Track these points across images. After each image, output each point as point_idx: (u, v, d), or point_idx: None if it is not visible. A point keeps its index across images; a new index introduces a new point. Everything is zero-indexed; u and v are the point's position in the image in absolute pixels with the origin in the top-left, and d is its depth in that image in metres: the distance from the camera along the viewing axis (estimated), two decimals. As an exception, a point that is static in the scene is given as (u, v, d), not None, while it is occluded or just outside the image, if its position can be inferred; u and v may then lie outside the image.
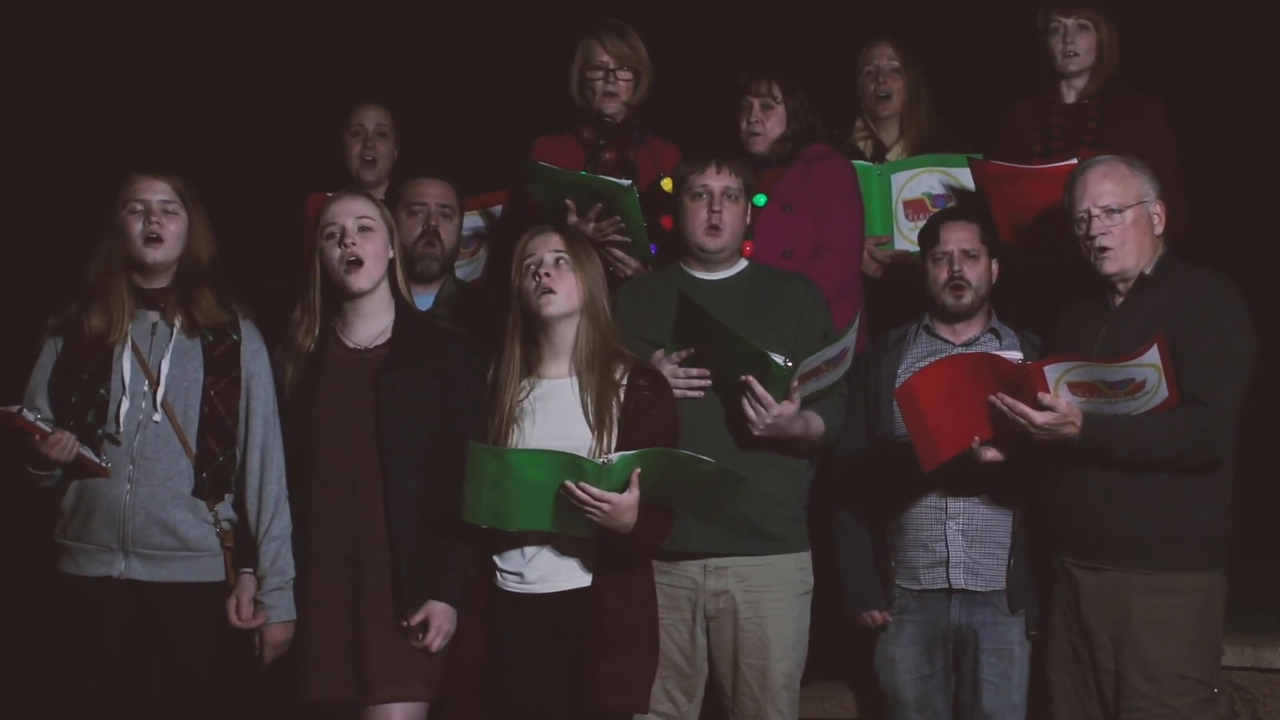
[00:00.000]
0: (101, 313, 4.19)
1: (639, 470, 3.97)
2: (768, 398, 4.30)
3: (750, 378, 4.30)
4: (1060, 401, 4.13)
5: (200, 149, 6.62)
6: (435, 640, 4.09)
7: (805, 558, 4.54)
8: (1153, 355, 4.04)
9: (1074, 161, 4.70)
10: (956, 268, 4.60)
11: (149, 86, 7.36)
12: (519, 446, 4.11)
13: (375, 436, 4.12)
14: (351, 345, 4.23)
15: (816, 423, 4.46)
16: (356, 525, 4.13)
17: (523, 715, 4.09)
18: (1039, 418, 4.13)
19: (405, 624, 4.08)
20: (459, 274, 5.13)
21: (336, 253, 4.18)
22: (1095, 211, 4.28)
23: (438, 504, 4.10)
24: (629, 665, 4.12)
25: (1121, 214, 4.27)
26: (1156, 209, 4.32)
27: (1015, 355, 4.27)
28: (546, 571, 4.13)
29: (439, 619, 4.09)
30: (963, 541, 4.51)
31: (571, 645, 4.09)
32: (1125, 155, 4.39)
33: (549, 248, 4.19)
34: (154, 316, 4.25)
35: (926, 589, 4.55)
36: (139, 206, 4.22)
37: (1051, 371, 4.11)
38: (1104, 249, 4.28)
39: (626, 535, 4.03)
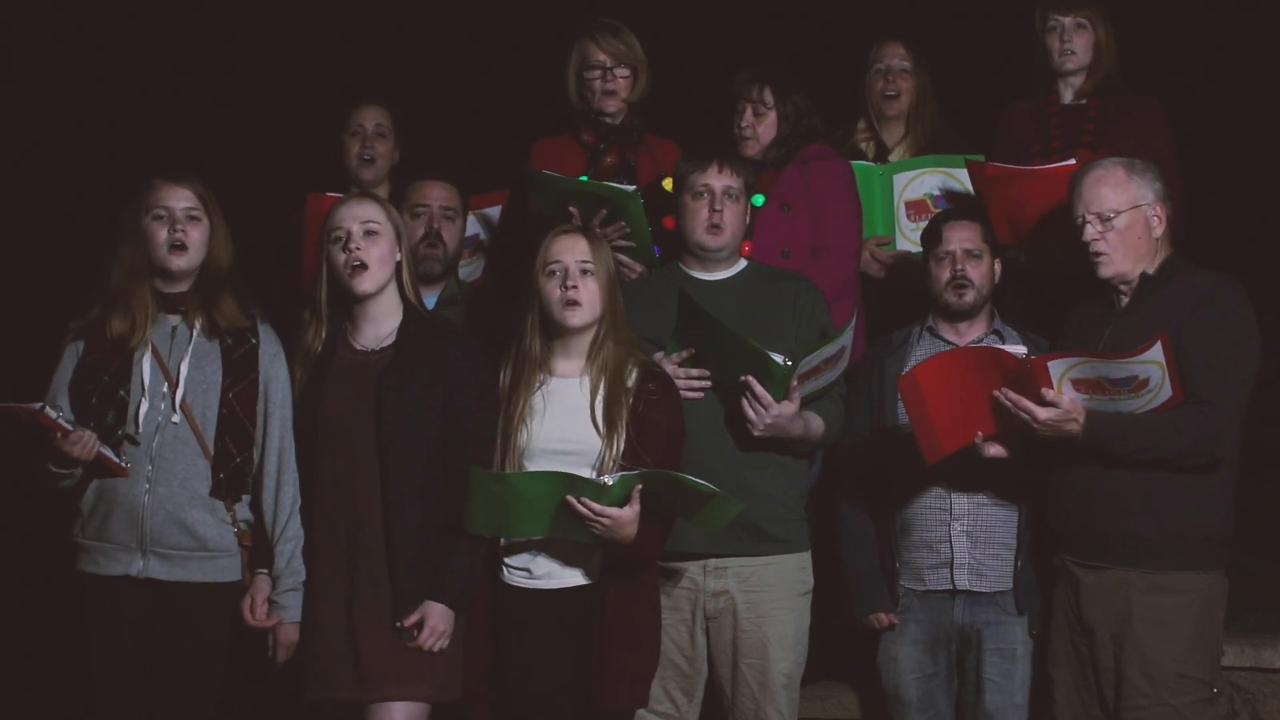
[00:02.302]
0: (124, 317, 4.22)
1: (640, 486, 3.99)
2: (767, 397, 4.31)
3: (750, 378, 4.30)
4: (1064, 398, 4.12)
5: (200, 149, 6.62)
6: (430, 641, 4.08)
7: (805, 558, 4.54)
8: (1156, 352, 4.03)
9: (1071, 163, 4.70)
10: (959, 267, 4.59)
11: (149, 87, 7.36)
12: (526, 447, 4.14)
13: (375, 438, 4.12)
14: (359, 348, 4.23)
15: (816, 423, 4.47)
16: (356, 526, 4.13)
17: (528, 710, 4.09)
18: (1042, 414, 4.13)
19: (400, 624, 4.08)
20: (459, 274, 5.13)
21: (342, 257, 4.19)
22: (1089, 217, 4.29)
23: (441, 505, 4.10)
24: (636, 663, 4.14)
25: (1113, 220, 4.27)
26: (1154, 212, 4.31)
27: (1020, 350, 4.26)
28: (553, 568, 4.14)
29: (434, 619, 4.08)
30: (967, 543, 4.50)
31: (577, 642, 4.10)
32: (1127, 158, 4.38)
33: (575, 255, 4.17)
34: (174, 320, 4.28)
35: (931, 589, 4.55)
36: (162, 213, 4.24)
37: (1055, 367, 4.11)
38: (1098, 254, 4.28)
39: (627, 545, 4.05)
